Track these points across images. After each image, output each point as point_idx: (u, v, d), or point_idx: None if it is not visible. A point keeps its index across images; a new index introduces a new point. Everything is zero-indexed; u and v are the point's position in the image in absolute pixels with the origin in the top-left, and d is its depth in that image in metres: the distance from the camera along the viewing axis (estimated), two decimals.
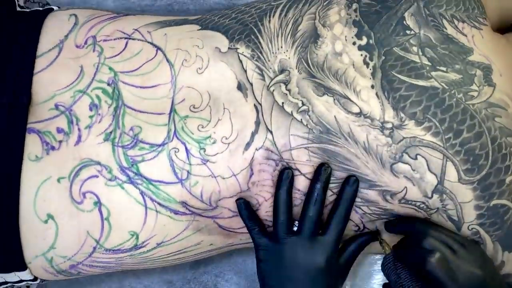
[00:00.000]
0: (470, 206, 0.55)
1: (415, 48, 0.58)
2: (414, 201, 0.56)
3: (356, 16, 0.61)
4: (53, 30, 0.62)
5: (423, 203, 0.56)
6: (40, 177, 0.55)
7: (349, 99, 0.56)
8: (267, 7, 0.64)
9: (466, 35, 0.60)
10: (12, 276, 0.58)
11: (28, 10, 0.68)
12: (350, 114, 0.56)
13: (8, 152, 0.55)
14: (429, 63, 0.58)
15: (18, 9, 0.68)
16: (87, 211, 0.56)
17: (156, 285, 0.77)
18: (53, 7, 0.68)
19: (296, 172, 0.57)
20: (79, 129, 0.57)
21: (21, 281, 0.59)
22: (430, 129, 0.55)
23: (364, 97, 0.56)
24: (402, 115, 0.55)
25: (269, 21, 0.62)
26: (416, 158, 0.55)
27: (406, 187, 0.56)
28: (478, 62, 0.59)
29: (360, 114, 0.56)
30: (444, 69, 0.57)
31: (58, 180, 0.55)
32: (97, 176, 0.56)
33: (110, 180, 0.56)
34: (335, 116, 0.56)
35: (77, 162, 0.56)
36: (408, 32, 0.59)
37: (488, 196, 0.55)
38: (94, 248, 0.57)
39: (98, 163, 0.56)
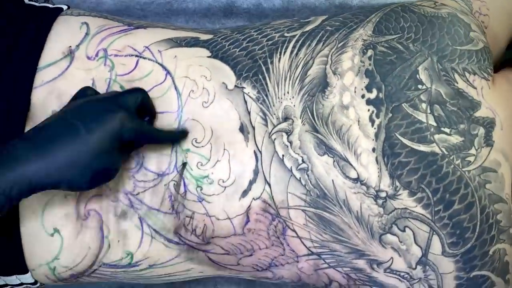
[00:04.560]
0: (451, 277, 0.57)
1: (424, 105, 0.58)
2: (399, 271, 0.58)
3: (370, 64, 0.60)
4: (64, 37, 0.61)
5: (407, 273, 0.58)
6: (49, 193, 0.57)
7: (348, 162, 0.57)
8: (279, 39, 0.62)
9: (476, 88, 0.61)
10: (14, 279, 0.61)
11: (37, 4, 0.66)
12: (348, 179, 0.56)
13: None
14: (435, 123, 0.58)
15: (27, 1, 0.66)
16: (90, 228, 0.58)
17: (156, 285, 0.79)
18: (62, 6, 0.67)
19: (293, 234, 0.58)
20: None
21: (21, 284, 0.63)
22: (421, 201, 0.56)
23: (363, 161, 0.57)
24: (398, 184, 0.56)
25: (279, 60, 0.61)
26: (404, 230, 0.56)
27: (392, 257, 0.57)
28: (484, 117, 0.59)
29: (357, 180, 0.56)
30: (448, 130, 0.58)
31: (65, 196, 0.57)
32: (100, 195, 0.58)
33: (112, 201, 0.58)
34: (333, 180, 0.57)
35: None
36: (420, 86, 0.59)
37: (469, 268, 0.57)
38: (94, 262, 0.60)
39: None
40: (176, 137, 0.58)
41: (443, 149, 0.57)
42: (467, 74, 0.61)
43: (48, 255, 0.58)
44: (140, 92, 0.55)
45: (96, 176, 0.51)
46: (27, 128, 0.57)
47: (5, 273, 0.60)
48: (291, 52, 0.61)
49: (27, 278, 0.60)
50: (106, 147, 0.50)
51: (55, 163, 0.48)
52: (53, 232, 0.57)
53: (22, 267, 0.59)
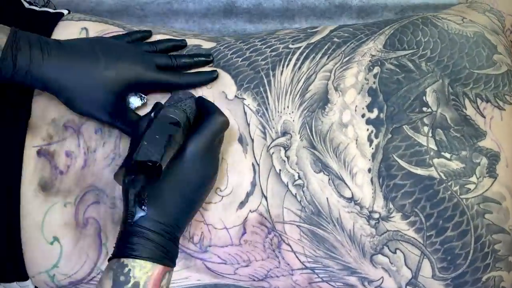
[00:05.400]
0: None
1: (426, 129, 0.57)
2: None
3: (374, 83, 0.59)
4: None
5: None
6: (48, 202, 0.58)
7: (343, 181, 0.57)
8: (283, 51, 0.62)
9: (484, 117, 0.59)
10: (14, 286, 0.62)
11: (38, 9, 0.66)
12: (342, 198, 0.57)
13: (8, 170, 0.57)
14: (435, 148, 0.57)
15: (27, 5, 0.66)
16: (88, 236, 0.59)
17: None
18: (63, 11, 0.67)
19: (288, 248, 0.58)
20: (85, 153, 0.58)
21: None
22: (414, 224, 0.56)
23: (358, 181, 0.57)
24: (391, 206, 0.56)
25: (281, 72, 0.60)
26: (395, 252, 0.56)
27: (382, 277, 0.58)
28: (487, 149, 0.58)
29: (351, 199, 0.57)
30: (449, 156, 0.57)
31: (65, 205, 0.58)
32: (98, 203, 0.58)
33: (110, 207, 0.58)
34: (327, 198, 0.57)
35: (82, 187, 0.58)
36: (424, 109, 0.58)
37: None
38: (92, 269, 0.60)
39: (101, 190, 0.58)
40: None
41: (441, 174, 0.56)
42: (478, 101, 0.59)
43: (48, 263, 0.59)
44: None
45: (90, 104, 0.55)
46: (28, 136, 0.58)
47: (6, 280, 0.61)
48: (294, 65, 0.61)
49: (27, 285, 0.61)
50: (114, 89, 0.55)
51: (64, 71, 0.53)
52: (53, 241, 0.58)
53: (22, 274, 0.60)
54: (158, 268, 0.47)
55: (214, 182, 0.53)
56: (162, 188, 0.49)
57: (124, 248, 0.47)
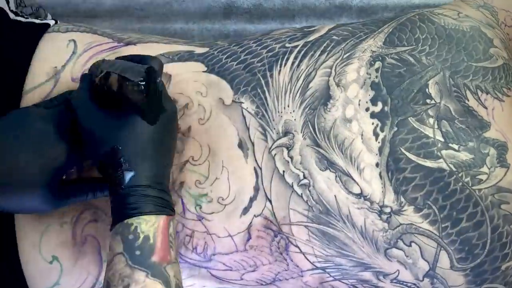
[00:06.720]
0: None
1: (431, 120, 0.56)
2: (406, 282, 0.57)
3: (376, 77, 0.58)
4: (50, 57, 0.60)
5: (414, 284, 0.57)
6: (44, 223, 0.57)
7: (351, 177, 0.55)
8: (280, 50, 0.60)
9: (486, 108, 0.58)
10: None
11: (24, 20, 0.65)
12: (351, 194, 0.55)
13: None
14: (442, 139, 0.56)
15: (12, 16, 0.65)
16: (88, 253, 0.58)
17: None
18: (49, 22, 0.65)
19: (296, 249, 0.57)
20: (78, 171, 0.57)
21: None
22: (428, 217, 0.55)
23: (366, 177, 0.55)
24: (402, 199, 0.55)
25: (279, 72, 0.59)
26: (410, 245, 0.55)
27: (398, 270, 0.56)
28: (494, 139, 0.57)
29: (360, 195, 0.55)
30: (457, 147, 0.56)
31: (61, 225, 0.57)
32: (96, 221, 0.57)
33: (108, 225, 0.56)
34: (335, 196, 0.55)
35: (78, 206, 0.57)
36: (428, 101, 0.57)
37: (480, 281, 0.56)
38: (94, 284, 0.59)
39: (98, 208, 0.57)
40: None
41: (451, 166, 0.55)
42: (479, 92, 0.59)
43: (49, 282, 0.58)
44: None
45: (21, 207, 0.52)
46: None
47: None
48: (292, 63, 0.59)
49: None
50: (42, 183, 0.51)
51: None
52: (52, 260, 0.57)
53: None
54: (162, 219, 0.48)
55: (176, 117, 0.54)
56: (135, 144, 0.49)
57: (124, 210, 0.48)
